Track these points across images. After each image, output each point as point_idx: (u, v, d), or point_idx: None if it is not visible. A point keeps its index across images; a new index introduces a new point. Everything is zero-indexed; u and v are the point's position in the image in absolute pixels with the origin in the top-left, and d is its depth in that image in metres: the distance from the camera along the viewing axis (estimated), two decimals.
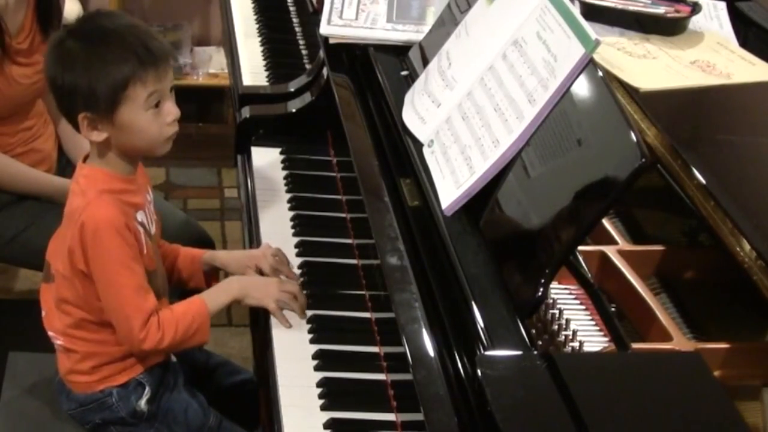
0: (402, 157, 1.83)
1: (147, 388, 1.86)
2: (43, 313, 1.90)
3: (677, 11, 2.07)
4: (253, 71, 2.71)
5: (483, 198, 1.61)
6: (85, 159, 1.85)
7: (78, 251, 1.75)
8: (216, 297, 1.87)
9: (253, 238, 2.10)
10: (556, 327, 1.57)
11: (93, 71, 1.72)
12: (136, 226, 1.79)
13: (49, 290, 1.88)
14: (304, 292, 1.91)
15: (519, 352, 1.41)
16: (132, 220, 1.78)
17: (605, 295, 1.60)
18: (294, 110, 2.39)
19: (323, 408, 1.69)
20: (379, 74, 2.02)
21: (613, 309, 1.58)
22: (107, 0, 3.84)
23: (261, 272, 1.95)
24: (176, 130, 1.79)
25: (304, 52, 2.84)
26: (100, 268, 1.75)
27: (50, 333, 1.89)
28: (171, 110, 1.78)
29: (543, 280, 1.44)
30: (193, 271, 2.01)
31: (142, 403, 1.86)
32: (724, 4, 2.19)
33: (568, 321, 1.57)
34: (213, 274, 2.03)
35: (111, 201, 1.76)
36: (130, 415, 1.87)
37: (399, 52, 2.08)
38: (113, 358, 1.84)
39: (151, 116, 1.75)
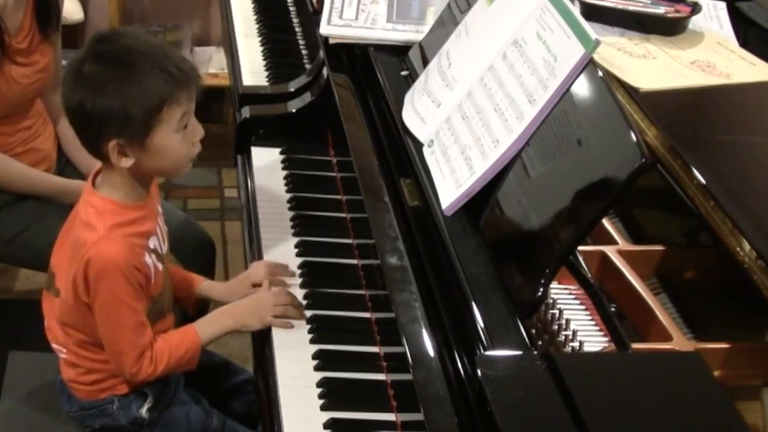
0: (402, 157, 1.83)
1: (149, 397, 1.86)
2: (46, 324, 1.89)
3: (677, 11, 2.07)
4: (253, 71, 2.71)
5: (483, 198, 1.61)
6: (95, 177, 1.79)
7: (81, 285, 1.73)
8: (209, 329, 1.85)
9: (253, 238, 2.10)
10: (556, 327, 1.57)
11: (127, 94, 1.63)
12: (146, 262, 1.74)
13: (52, 302, 1.85)
14: (304, 291, 1.91)
15: (519, 352, 1.41)
16: (142, 256, 1.74)
17: (605, 295, 1.60)
18: (294, 110, 2.39)
19: (323, 408, 1.69)
20: (379, 74, 2.02)
21: (613, 309, 1.58)
22: (107, 0, 3.84)
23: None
24: (200, 149, 1.74)
25: (304, 52, 2.84)
26: (100, 304, 1.73)
27: (54, 345, 1.88)
28: (197, 129, 1.73)
29: (543, 280, 1.44)
30: (185, 294, 2.00)
31: (144, 411, 1.86)
32: (724, 4, 2.19)
33: (568, 321, 1.57)
34: (201, 300, 2.02)
35: (120, 239, 1.71)
36: (131, 422, 1.87)
37: (399, 52, 2.08)
38: (116, 373, 1.84)
39: (180, 137, 1.70)
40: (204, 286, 2.01)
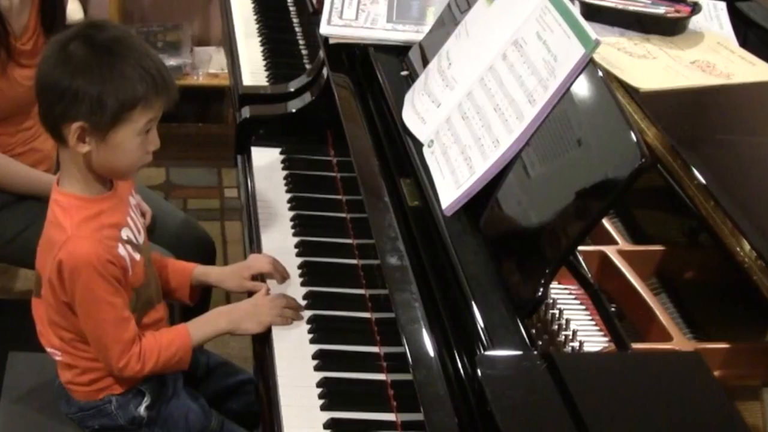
0: (402, 157, 1.83)
1: (146, 396, 1.86)
2: (38, 329, 1.88)
3: (677, 11, 2.07)
4: (253, 71, 2.71)
5: (483, 198, 1.61)
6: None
7: (57, 285, 1.73)
8: (202, 330, 1.85)
9: (253, 238, 2.10)
10: (556, 327, 1.57)
11: (108, 83, 1.64)
12: (120, 254, 1.74)
13: (41, 305, 1.84)
14: (304, 291, 1.91)
15: (519, 352, 1.41)
16: (114, 248, 1.73)
17: (605, 295, 1.60)
18: (294, 110, 2.39)
19: (323, 408, 1.69)
20: (379, 74, 2.02)
21: (613, 309, 1.58)
22: (107, 0, 3.84)
23: (260, 278, 1.94)
24: (150, 160, 1.75)
25: (304, 52, 2.84)
26: (79, 302, 1.73)
27: (48, 349, 1.87)
28: (155, 140, 1.74)
29: (543, 280, 1.44)
30: (180, 283, 1.98)
31: (142, 410, 1.86)
32: (724, 4, 2.19)
33: (568, 321, 1.57)
34: (198, 288, 2.01)
35: (90, 235, 1.71)
36: (129, 422, 1.87)
37: (399, 52, 2.08)
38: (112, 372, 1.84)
39: (139, 142, 1.70)
40: (198, 270, 1.99)
